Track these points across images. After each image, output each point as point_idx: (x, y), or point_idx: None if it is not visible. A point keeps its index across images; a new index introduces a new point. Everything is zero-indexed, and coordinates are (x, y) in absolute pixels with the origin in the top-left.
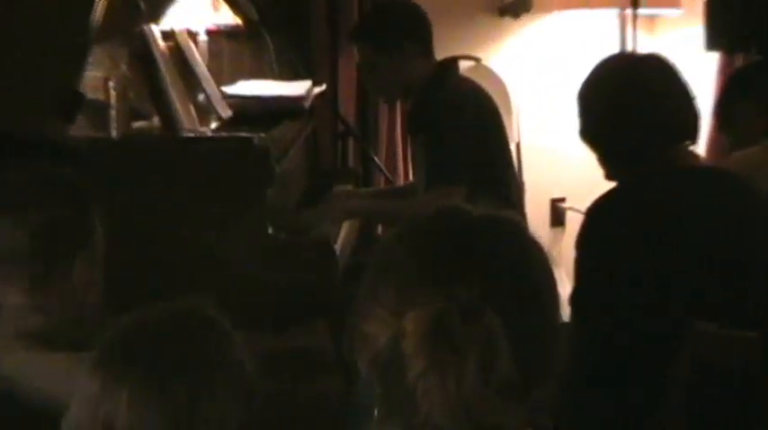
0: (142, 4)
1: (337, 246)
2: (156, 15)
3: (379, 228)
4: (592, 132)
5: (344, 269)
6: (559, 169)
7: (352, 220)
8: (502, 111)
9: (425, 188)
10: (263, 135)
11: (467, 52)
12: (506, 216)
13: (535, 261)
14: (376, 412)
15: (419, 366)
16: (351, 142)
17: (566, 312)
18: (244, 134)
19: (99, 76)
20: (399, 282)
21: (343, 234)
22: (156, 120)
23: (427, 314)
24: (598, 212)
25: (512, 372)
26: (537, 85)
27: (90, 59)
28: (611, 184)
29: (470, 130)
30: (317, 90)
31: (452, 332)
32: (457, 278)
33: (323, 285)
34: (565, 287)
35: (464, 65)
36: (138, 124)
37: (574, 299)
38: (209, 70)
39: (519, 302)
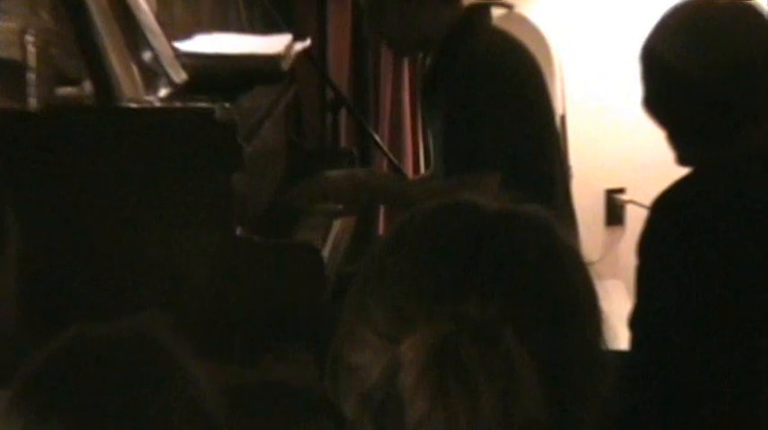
0: None
1: (325, 251)
2: None
3: (380, 228)
4: (659, 103)
5: (335, 281)
6: (617, 151)
7: (347, 217)
8: None
9: (444, 175)
10: (227, 105)
11: None
12: (530, 211)
13: (568, 268)
14: None
15: (421, 405)
16: (343, 114)
17: (621, 335)
18: (203, 104)
19: (13, 28)
20: (394, 298)
21: (334, 234)
22: (87, 86)
23: (430, 338)
24: (667, 207)
25: (539, 412)
26: (587, 40)
27: (0, 5)
28: (684, 171)
29: (508, 97)
30: (300, 46)
31: (462, 361)
32: (467, 292)
33: (306, 302)
34: (622, 303)
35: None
36: (64, 91)
37: (635, 318)
38: (158, 20)
39: (547, 322)
